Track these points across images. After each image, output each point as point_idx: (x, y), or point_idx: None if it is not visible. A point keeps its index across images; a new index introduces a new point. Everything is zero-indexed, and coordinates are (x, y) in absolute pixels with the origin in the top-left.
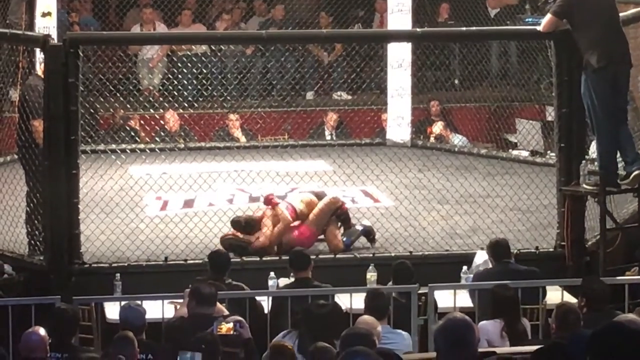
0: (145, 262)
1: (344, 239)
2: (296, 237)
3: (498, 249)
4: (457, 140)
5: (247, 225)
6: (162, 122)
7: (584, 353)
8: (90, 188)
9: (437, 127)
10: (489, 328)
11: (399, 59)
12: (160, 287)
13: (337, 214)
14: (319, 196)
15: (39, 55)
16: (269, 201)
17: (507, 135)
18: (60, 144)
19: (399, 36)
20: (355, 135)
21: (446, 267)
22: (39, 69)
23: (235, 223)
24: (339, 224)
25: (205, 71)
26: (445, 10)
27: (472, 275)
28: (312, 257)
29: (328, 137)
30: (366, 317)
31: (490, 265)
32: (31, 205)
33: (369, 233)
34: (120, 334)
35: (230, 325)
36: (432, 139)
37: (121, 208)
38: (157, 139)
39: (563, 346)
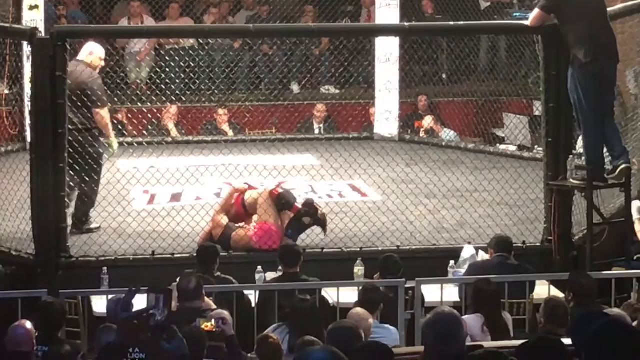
0: (133, 256)
1: (289, 231)
2: (253, 235)
3: (500, 243)
4: (446, 134)
5: None
6: (160, 115)
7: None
8: None
9: (427, 121)
10: (470, 322)
11: (387, 53)
12: (147, 281)
13: (277, 201)
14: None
15: (26, 49)
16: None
17: (494, 130)
18: (48, 137)
19: (387, 30)
20: (343, 130)
21: (433, 262)
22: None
23: None
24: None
25: (193, 65)
26: (428, 5)
27: (458, 270)
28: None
29: (317, 131)
30: (358, 309)
31: (478, 259)
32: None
33: (316, 220)
34: (104, 326)
35: (212, 322)
36: (422, 133)
37: (108, 202)
38: (144, 132)
39: (549, 340)
